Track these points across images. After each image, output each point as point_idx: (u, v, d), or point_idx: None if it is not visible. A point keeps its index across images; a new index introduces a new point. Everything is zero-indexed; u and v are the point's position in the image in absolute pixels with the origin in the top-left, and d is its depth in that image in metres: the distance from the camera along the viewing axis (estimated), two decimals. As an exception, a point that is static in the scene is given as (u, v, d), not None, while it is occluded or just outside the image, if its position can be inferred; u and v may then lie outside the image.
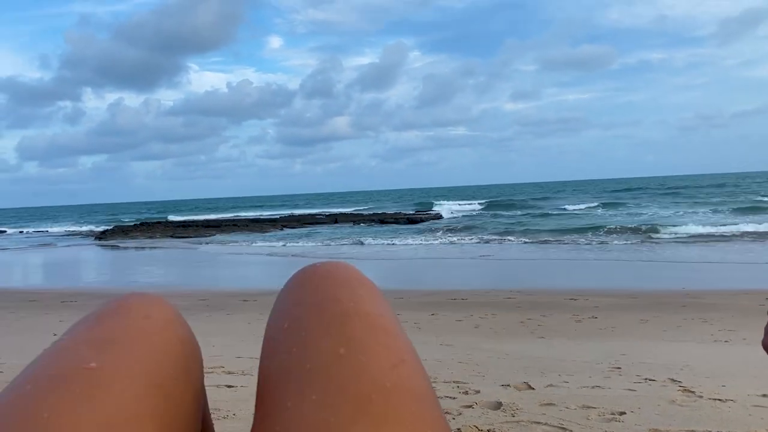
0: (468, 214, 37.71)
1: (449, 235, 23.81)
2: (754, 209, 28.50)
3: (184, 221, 40.45)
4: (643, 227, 21.35)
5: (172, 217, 48.94)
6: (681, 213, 28.96)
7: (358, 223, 32.97)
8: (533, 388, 3.44)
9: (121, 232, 33.51)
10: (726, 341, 5.72)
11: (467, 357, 4.83)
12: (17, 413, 0.45)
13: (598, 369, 4.16)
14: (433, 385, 3.61)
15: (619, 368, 4.19)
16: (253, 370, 4.38)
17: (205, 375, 0.65)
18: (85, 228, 43.55)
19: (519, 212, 35.72)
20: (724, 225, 21.41)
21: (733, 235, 18.54)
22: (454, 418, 2.71)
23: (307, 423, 0.48)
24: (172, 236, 30.32)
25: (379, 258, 18.34)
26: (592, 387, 3.48)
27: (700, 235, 19.04)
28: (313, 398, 0.49)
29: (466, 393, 3.31)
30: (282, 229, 31.40)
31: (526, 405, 2.96)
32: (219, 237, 28.51)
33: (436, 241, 21.59)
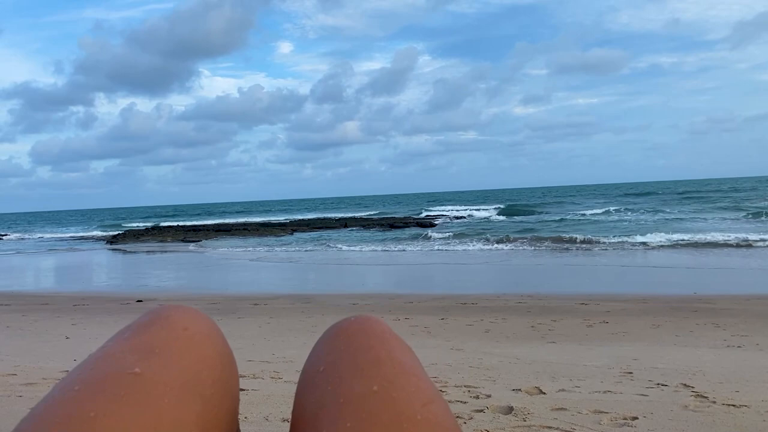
0: (481, 219, 37.66)
1: (457, 240, 23.77)
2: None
3: (195, 225, 40.65)
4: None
5: (183, 222, 49.18)
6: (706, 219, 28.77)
7: (368, 228, 32.98)
8: (544, 393, 3.43)
9: (133, 236, 33.71)
10: (739, 346, 5.67)
11: (478, 361, 4.82)
12: (66, 412, 0.48)
13: (609, 374, 4.14)
14: (444, 389, 3.60)
15: (631, 373, 4.16)
16: (265, 373, 4.39)
17: None
18: (96, 232, 43.85)
19: (533, 217, 35.62)
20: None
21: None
22: (465, 423, 2.70)
23: None
24: (183, 240, 30.46)
25: (390, 263, 18.33)
26: (604, 392, 3.46)
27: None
28: (348, 425, 0.52)
29: (477, 397, 3.31)
30: (292, 234, 31.47)
31: (538, 409, 2.95)
32: (229, 241, 28.61)
33: (444, 246, 21.55)
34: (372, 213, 50.01)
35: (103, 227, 50.13)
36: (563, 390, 3.52)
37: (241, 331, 7.06)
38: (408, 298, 9.97)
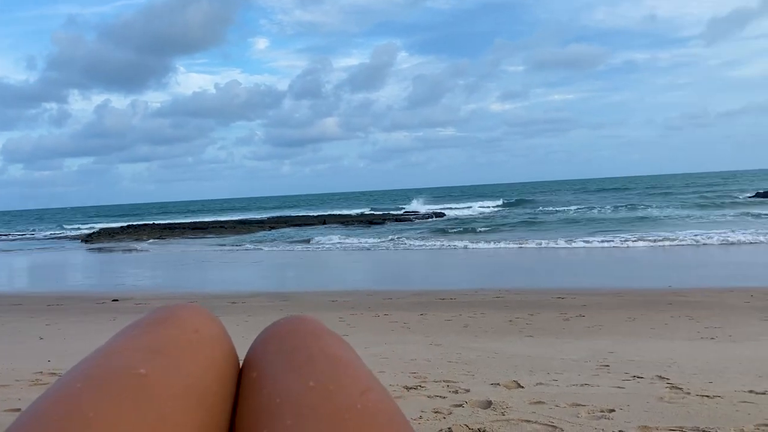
0: (460, 215, 37.85)
1: (435, 236, 23.85)
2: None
3: (172, 224, 40.22)
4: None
5: (159, 220, 48.63)
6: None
7: (347, 224, 32.93)
8: (523, 387, 3.46)
9: (108, 234, 33.27)
10: (712, 338, 5.77)
11: (457, 356, 4.84)
12: (64, 409, 0.46)
13: (586, 367, 4.18)
14: (423, 384, 3.61)
15: (608, 366, 4.21)
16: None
17: None
18: (71, 231, 43.19)
19: (514, 212, 35.87)
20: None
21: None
22: (444, 417, 2.71)
23: None
24: (159, 238, 30.13)
25: (369, 259, 18.34)
26: (581, 385, 3.50)
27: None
28: (288, 423, 0.51)
29: (456, 392, 3.32)
30: (269, 231, 31.31)
31: (516, 403, 2.97)
32: (206, 239, 28.37)
33: (422, 242, 21.62)
34: (351, 210, 49.97)
35: (77, 226, 49.40)
36: (541, 383, 3.55)
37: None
38: (387, 295, 9.98)
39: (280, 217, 42.53)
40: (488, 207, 43.03)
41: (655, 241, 17.74)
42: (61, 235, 40.36)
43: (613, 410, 2.83)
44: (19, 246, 31.86)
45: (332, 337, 0.67)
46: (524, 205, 42.26)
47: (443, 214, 37.70)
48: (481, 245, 19.32)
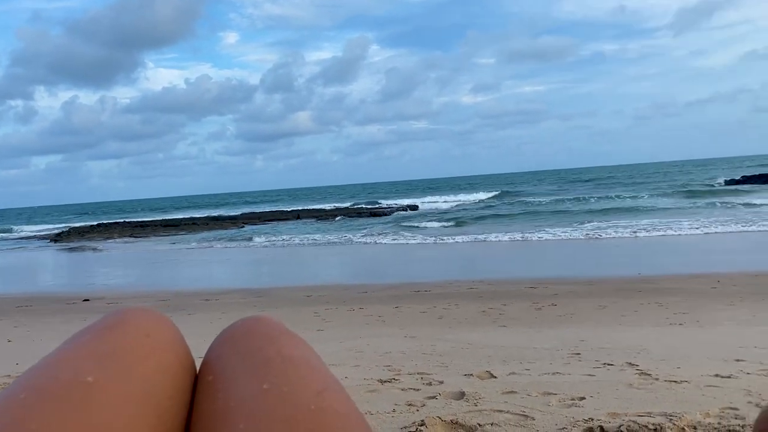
0: (434, 208, 38.01)
1: (412, 229, 23.92)
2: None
3: (143, 221, 39.67)
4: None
5: (129, 218, 47.94)
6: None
7: (321, 219, 32.84)
8: (495, 377, 3.49)
9: (78, 233, 32.72)
10: (681, 324, 5.90)
11: (431, 348, 4.87)
12: (5, 422, 0.45)
13: (558, 356, 4.24)
14: (397, 377, 3.63)
15: (579, 354, 4.27)
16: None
17: None
18: (39, 230, 42.34)
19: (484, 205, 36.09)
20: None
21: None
22: (418, 410, 2.72)
23: None
24: (130, 236, 29.72)
25: (344, 253, 18.32)
26: (553, 374, 3.54)
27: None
28: (241, 427, 0.51)
29: (430, 384, 3.34)
30: (243, 227, 31.08)
31: (489, 394, 3.00)
32: (179, 236, 28.06)
33: (398, 235, 21.66)
34: (324, 204, 49.82)
35: (45, 225, 48.45)
36: (514, 373, 3.59)
37: (191, 328, 6.93)
38: (362, 288, 9.99)
39: (253, 212, 42.24)
40: (458, 201, 43.26)
41: (626, 229, 18.01)
42: (30, 234, 39.53)
43: (583, 398, 2.88)
44: (-15, 247, 31.16)
45: (290, 338, 0.67)
46: (503, 197, 42.52)
47: (417, 207, 37.80)
48: (457, 238, 19.42)
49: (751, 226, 16.85)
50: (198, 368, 0.66)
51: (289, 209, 42.64)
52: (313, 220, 32.65)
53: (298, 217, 34.70)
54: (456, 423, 2.41)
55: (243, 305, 8.94)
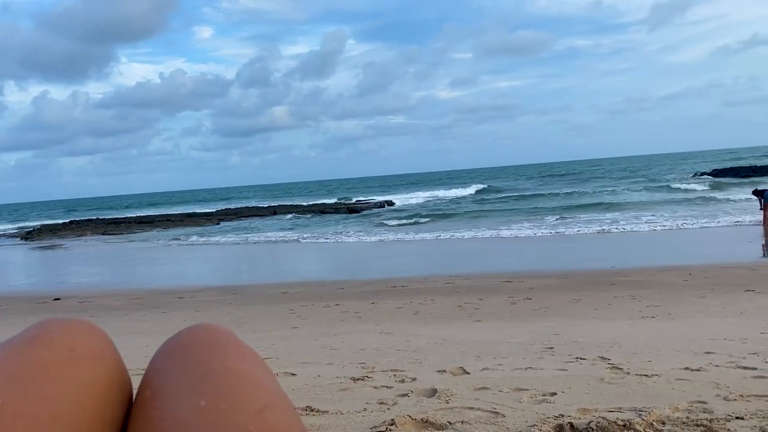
0: (412, 203, 38.05)
1: (387, 225, 23.91)
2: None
3: (116, 218, 39.09)
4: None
5: (103, 215, 47.23)
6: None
7: (298, 215, 32.67)
8: (468, 373, 3.48)
9: (49, 231, 32.15)
10: (653, 317, 5.95)
11: (406, 344, 4.85)
12: None
13: (531, 350, 4.25)
14: (371, 374, 3.59)
15: (552, 348, 4.28)
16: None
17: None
18: (9, 229, 41.50)
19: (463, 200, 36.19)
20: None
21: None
22: (389, 408, 2.70)
23: None
24: (103, 234, 29.28)
25: (321, 249, 18.24)
26: (525, 369, 3.54)
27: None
28: None
29: (403, 381, 3.31)
30: (218, 223, 30.79)
31: (461, 390, 2.98)
32: (153, 233, 27.71)
33: (375, 231, 21.64)
34: (302, 200, 49.58)
35: (16, 223, 47.53)
36: (487, 369, 3.58)
37: (164, 327, 6.84)
38: (338, 284, 9.95)
39: (229, 209, 41.88)
40: (435, 196, 43.35)
41: (600, 223, 18.20)
42: None
43: (554, 393, 2.87)
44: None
45: (238, 349, 0.63)
46: (481, 193, 42.66)
47: (393, 203, 37.80)
48: (434, 233, 19.44)
49: (720, 218, 17.13)
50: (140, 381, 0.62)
51: (265, 205, 42.35)
52: (289, 216, 32.46)
53: (275, 213, 34.49)
54: (426, 422, 2.38)
55: (218, 303, 8.84)
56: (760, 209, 15.38)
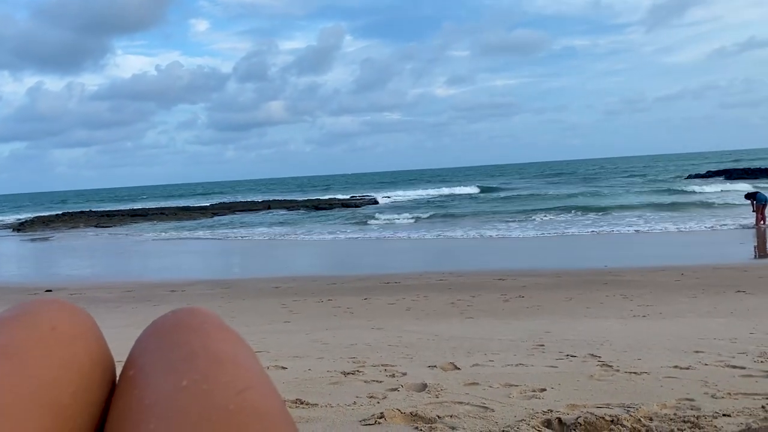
0: (408, 200, 38.07)
1: (381, 221, 23.90)
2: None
3: (109, 211, 38.96)
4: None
5: (96, 207, 47.05)
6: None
7: (293, 210, 32.62)
8: (459, 369, 3.49)
9: (42, 223, 32.00)
10: (644, 316, 5.98)
11: (397, 340, 4.86)
12: None
13: (522, 347, 4.26)
14: (362, 369, 3.60)
15: (543, 345, 4.30)
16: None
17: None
18: (1, 220, 41.31)
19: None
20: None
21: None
22: (379, 402, 2.70)
23: None
24: (96, 226, 29.18)
25: (315, 244, 18.23)
26: (516, 365, 3.55)
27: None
28: (151, 427, 0.47)
29: (393, 376, 3.32)
30: (212, 217, 30.73)
31: (451, 385, 2.99)
32: (146, 226, 27.64)
33: (369, 227, 21.64)
34: (296, 195, 49.51)
35: (8, 214, 47.32)
36: (477, 365, 3.59)
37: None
38: (331, 280, 9.95)
39: (223, 203, 41.79)
40: (429, 194, 43.38)
41: (594, 223, 18.25)
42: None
43: (544, 389, 2.88)
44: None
45: (221, 332, 0.62)
46: (478, 191, 42.68)
47: (388, 199, 37.80)
48: (430, 230, 19.46)
49: (713, 220, 17.19)
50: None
51: (260, 200, 42.25)
52: (284, 211, 32.41)
53: (269, 208, 34.43)
54: (415, 415, 2.39)
55: (210, 296, 8.83)
56: (753, 211, 15.48)
